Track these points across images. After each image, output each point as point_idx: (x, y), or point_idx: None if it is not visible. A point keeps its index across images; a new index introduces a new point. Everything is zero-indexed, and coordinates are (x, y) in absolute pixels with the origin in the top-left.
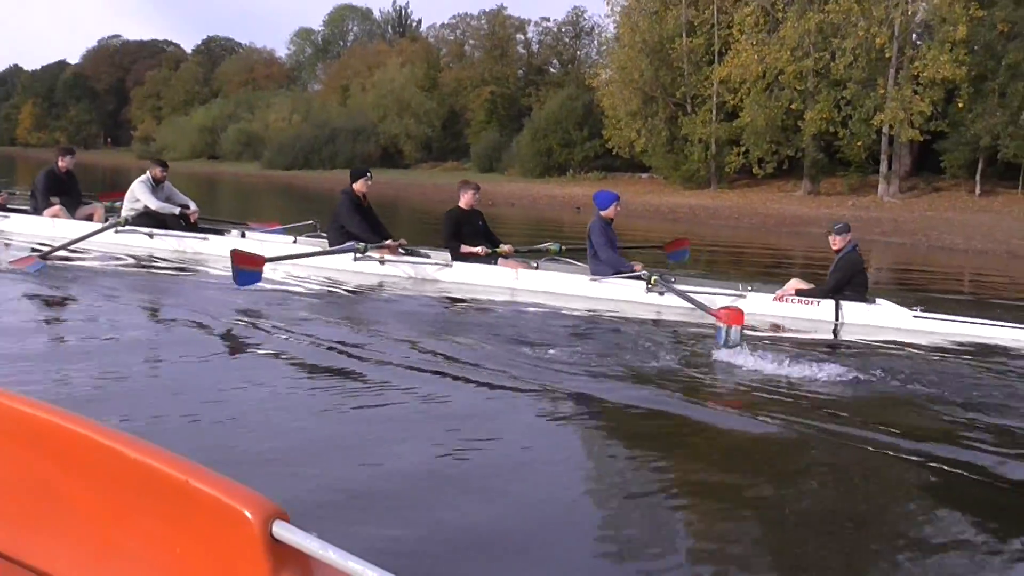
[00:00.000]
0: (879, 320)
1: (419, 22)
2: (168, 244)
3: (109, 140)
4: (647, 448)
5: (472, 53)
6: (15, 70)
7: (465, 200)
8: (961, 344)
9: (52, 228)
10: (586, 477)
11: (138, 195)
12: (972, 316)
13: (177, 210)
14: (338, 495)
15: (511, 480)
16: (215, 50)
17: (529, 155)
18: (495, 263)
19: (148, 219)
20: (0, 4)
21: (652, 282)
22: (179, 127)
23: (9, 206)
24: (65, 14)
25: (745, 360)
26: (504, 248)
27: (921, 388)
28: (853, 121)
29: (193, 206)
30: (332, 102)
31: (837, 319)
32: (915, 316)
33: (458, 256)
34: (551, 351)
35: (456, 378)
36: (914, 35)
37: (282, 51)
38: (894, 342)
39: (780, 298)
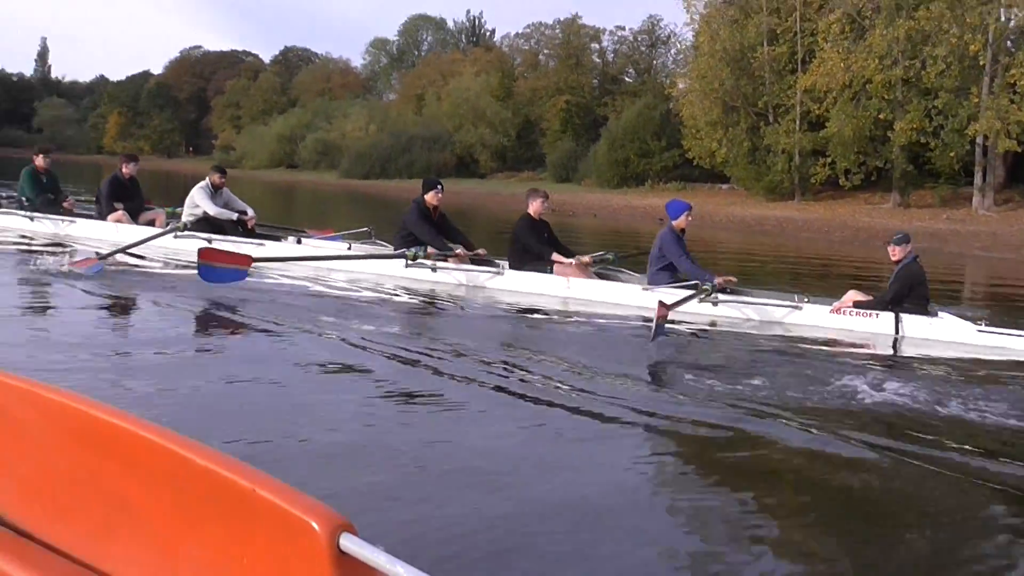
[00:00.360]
0: (941, 334)
1: (492, 31)
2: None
3: (191, 148)
4: (712, 466)
5: (546, 62)
6: (101, 81)
7: (534, 208)
8: None
9: (115, 232)
10: (668, 493)
11: (197, 201)
12: None
13: (235, 216)
14: (408, 508)
15: (591, 504)
16: (292, 60)
17: (606, 165)
18: (550, 271)
19: (207, 225)
20: (87, 18)
21: (702, 291)
22: (258, 136)
23: (76, 211)
24: (148, 26)
25: (801, 372)
26: (586, 259)
27: (983, 405)
28: (945, 131)
29: (251, 212)
30: (407, 111)
31: (897, 332)
32: (979, 331)
33: (518, 266)
34: (605, 363)
35: (512, 393)
36: (1008, 42)
37: (357, 61)
38: (956, 357)
39: (837, 310)
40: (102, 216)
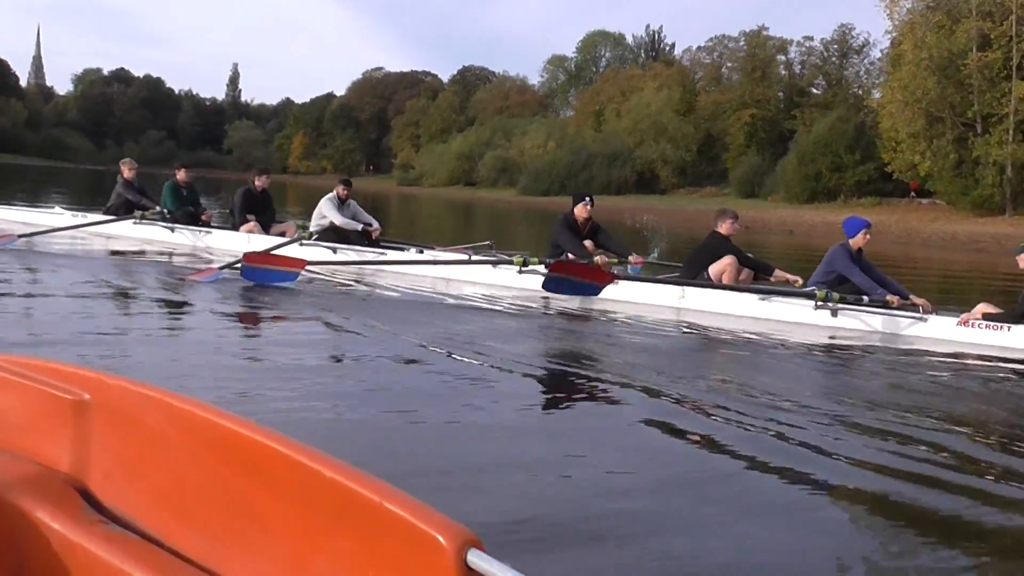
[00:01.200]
0: None
1: (672, 46)
2: (350, 258)
3: (371, 167)
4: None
5: (730, 76)
6: (286, 103)
7: (725, 228)
8: None
9: (247, 243)
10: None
11: (325, 212)
12: None
13: (360, 227)
14: (544, 525)
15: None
16: (470, 79)
17: (795, 180)
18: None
19: (332, 234)
20: (275, 44)
21: (821, 299)
22: (437, 154)
23: (213, 223)
24: (332, 50)
25: (917, 386)
26: (792, 278)
27: None
28: None
29: (375, 224)
30: (586, 128)
31: None
32: None
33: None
34: (720, 377)
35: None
36: None
37: (534, 78)
38: None
39: (965, 322)
40: (235, 228)
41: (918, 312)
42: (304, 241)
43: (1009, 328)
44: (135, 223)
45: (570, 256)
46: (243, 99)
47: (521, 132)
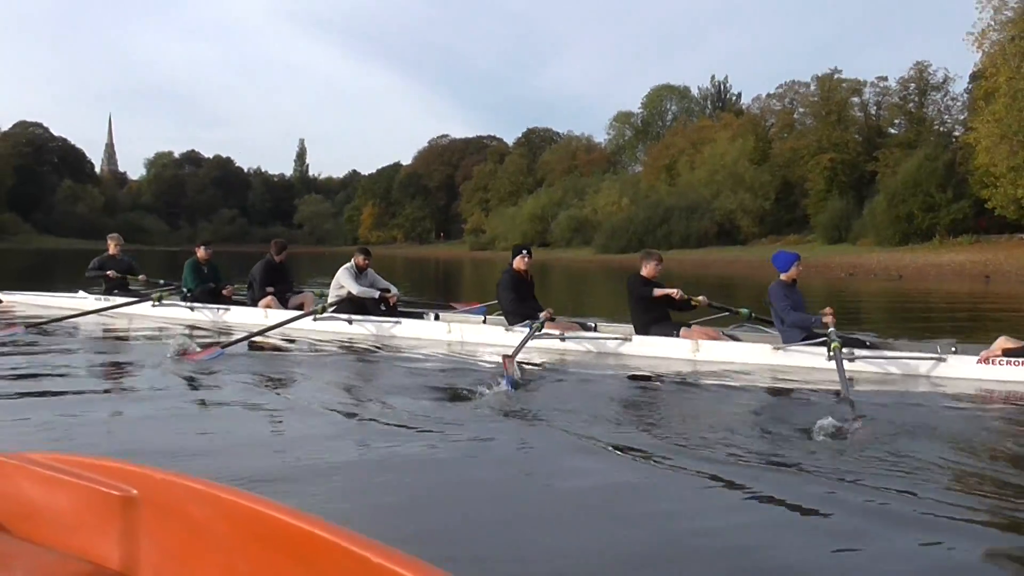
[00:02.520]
0: None
1: (739, 95)
2: (366, 329)
3: (442, 234)
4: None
5: (803, 121)
6: (353, 175)
7: (648, 270)
8: None
9: (263, 317)
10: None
11: (342, 282)
12: None
13: (377, 293)
14: None
15: None
16: (535, 140)
17: (886, 222)
18: (677, 334)
19: (349, 305)
20: (340, 118)
21: (833, 349)
22: (508, 217)
23: (234, 298)
24: (396, 121)
25: (942, 430)
26: (700, 298)
27: None
28: None
29: (394, 290)
30: (659, 182)
31: None
32: None
33: (643, 329)
34: (728, 437)
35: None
36: None
37: (599, 136)
38: None
39: (986, 360)
40: (254, 302)
41: (936, 352)
42: (318, 316)
43: None
44: (154, 305)
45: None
46: (311, 173)
47: (594, 190)
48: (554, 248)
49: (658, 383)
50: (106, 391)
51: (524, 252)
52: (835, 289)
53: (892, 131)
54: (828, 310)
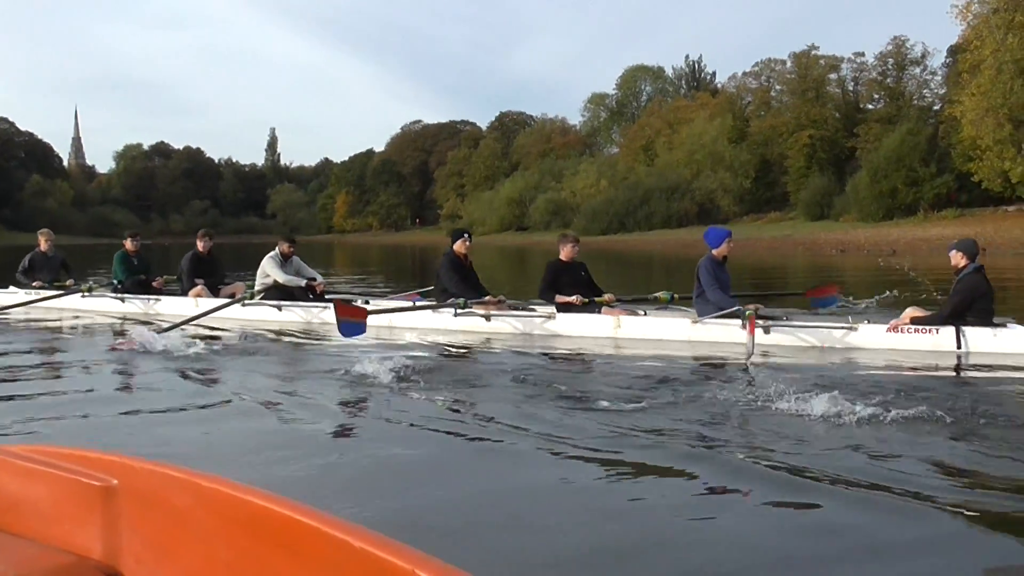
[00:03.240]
0: (1007, 346)
1: (713, 74)
2: (294, 315)
3: (418, 220)
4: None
5: (780, 99)
6: (325, 163)
7: (565, 252)
8: None
9: (195, 307)
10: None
11: (267, 271)
12: None
13: (303, 282)
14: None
15: None
16: (508, 124)
17: (869, 198)
18: (598, 312)
19: (276, 292)
20: (310, 107)
21: (747, 317)
22: (484, 202)
23: (164, 290)
24: (368, 108)
25: (842, 405)
26: (605, 297)
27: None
28: None
29: (319, 278)
30: (634, 163)
31: (959, 347)
32: None
33: (559, 307)
34: (648, 409)
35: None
36: None
37: (573, 118)
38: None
39: (894, 328)
40: (184, 292)
41: (848, 322)
42: (247, 301)
43: (937, 330)
44: (83, 296)
45: (461, 298)
46: (282, 162)
47: (571, 173)
48: (533, 232)
49: (579, 359)
50: (40, 381)
51: (465, 236)
52: (831, 266)
53: (871, 107)
54: (753, 306)
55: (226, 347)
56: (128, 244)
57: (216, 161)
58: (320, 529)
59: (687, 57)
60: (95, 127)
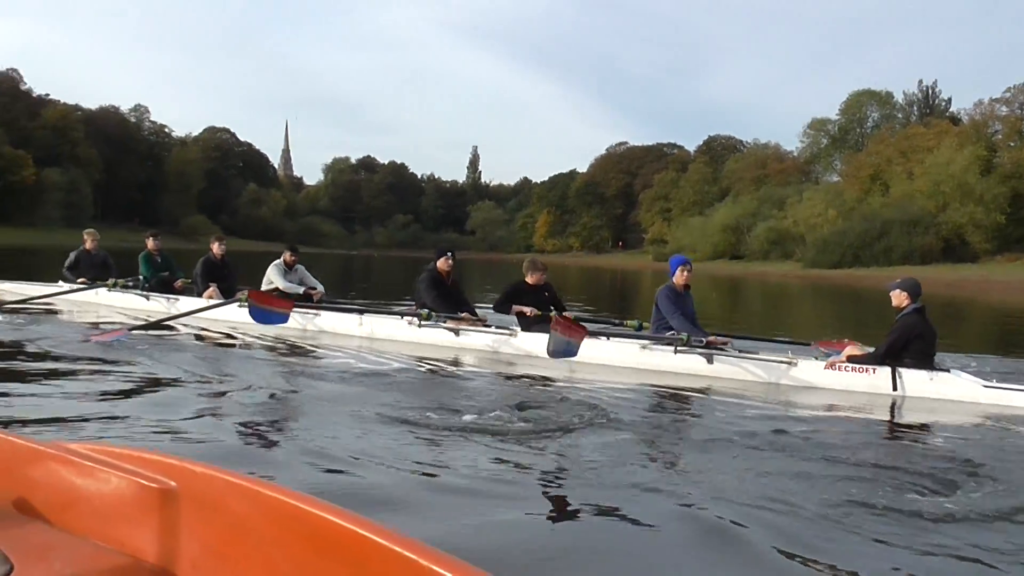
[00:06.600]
0: (943, 391)
1: (948, 101)
2: (291, 320)
3: (620, 243)
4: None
5: None
6: (524, 182)
7: (532, 278)
8: None
9: (201, 306)
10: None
11: (271, 277)
12: None
13: (301, 290)
14: None
15: None
16: (717, 149)
17: None
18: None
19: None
20: (512, 126)
21: (679, 345)
22: (694, 227)
23: (184, 291)
24: (567, 129)
25: (775, 444)
26: (564, 315)
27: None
28: None
29: (320, 288)
30: (864, 193)
31: (895, 389)
32: (986, 387)
33: (522, 324)
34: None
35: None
36: None
37: (786, 143)
38: (961, 417)
39: (832, 366)
40: (199, 295)
41: (787, 356)
42: (242, 303)
43: (874, 370)
44: (109, 290)
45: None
46: (483, 180)
47: (794, 201)
48: (750, 261)
49: (527, 378)
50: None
51: (448, 254)
52: None
53: None
54: (725, 340)
55: (205, 342)
56: (150, 243)
57: (419, 177)
58: (384, 545)
59: (920, 82)
60: (302, 141)
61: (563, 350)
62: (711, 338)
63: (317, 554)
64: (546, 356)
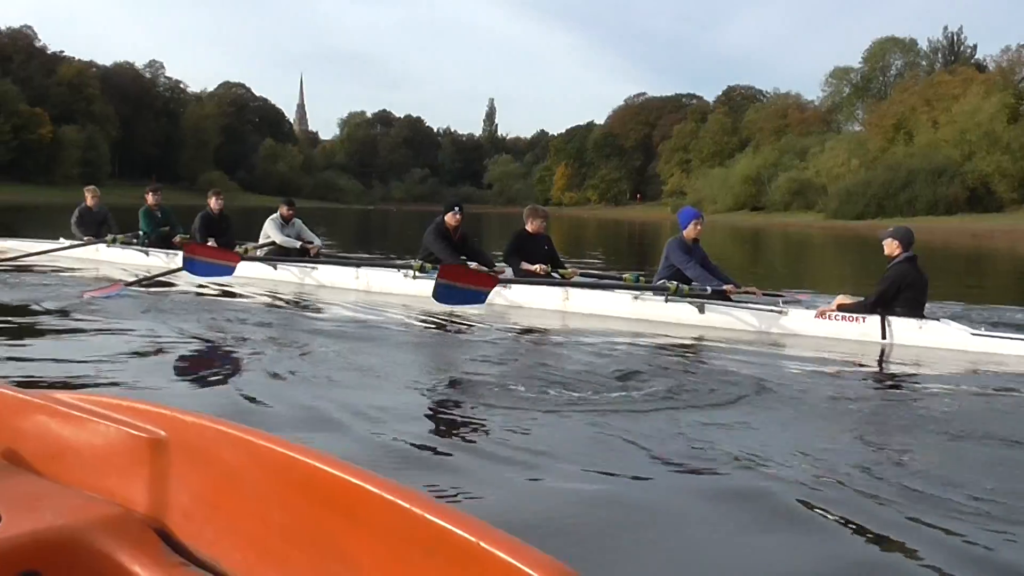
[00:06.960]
0: (932, 339)
1: (974, 47)
2: (287, 274)
3: (639, 195)
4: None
5: None
6: (542, 135)
7: (533, 226)
8: None
9: None
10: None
11: (268, 232)
12: None
13: (298, 244)
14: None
15: None
16: (736, 99)
17: None
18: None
19: (275, 252)
20: (529, 79)
21: (672, 293)
22: (714, 179)
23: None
24: (583, 80)
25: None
26: (568, 271)
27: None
28: None
29: (317, 241)
30: (888, 143)
31: (884, 337)
32: (973, 335)
33: (520, 274)
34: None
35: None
36: None
37: (807, 93)
38: (950, 366)
39: (822, 314)
40: None
41: (778, 305)
42: (242, 257)
43: (864, 319)
44: (108, 246)
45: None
46: (499, 133)
47: (816, 151)
48: (771, 212)
49: (524, 330)
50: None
51: (456, 208)
52: None
53: None
54: (731, 288)
55: (197, 294)
56: (149, 198)
57: (435, 130)
58: (380, 495)
59: (945, 28)
60: (317, 96)
61: (451, 297)
62: (728, 287)
63: (309, 503)
64: (538, 308)
